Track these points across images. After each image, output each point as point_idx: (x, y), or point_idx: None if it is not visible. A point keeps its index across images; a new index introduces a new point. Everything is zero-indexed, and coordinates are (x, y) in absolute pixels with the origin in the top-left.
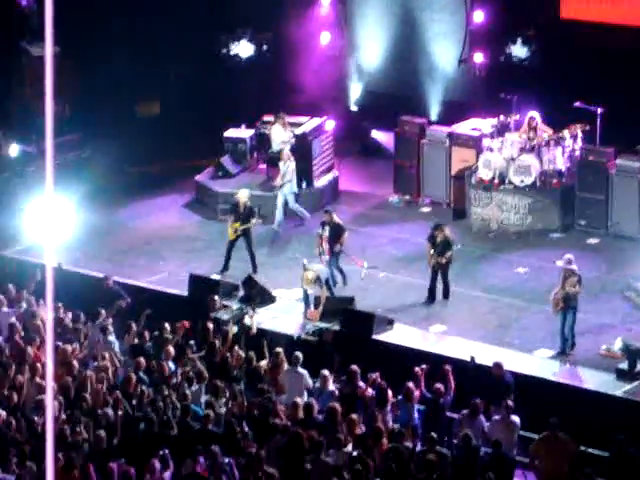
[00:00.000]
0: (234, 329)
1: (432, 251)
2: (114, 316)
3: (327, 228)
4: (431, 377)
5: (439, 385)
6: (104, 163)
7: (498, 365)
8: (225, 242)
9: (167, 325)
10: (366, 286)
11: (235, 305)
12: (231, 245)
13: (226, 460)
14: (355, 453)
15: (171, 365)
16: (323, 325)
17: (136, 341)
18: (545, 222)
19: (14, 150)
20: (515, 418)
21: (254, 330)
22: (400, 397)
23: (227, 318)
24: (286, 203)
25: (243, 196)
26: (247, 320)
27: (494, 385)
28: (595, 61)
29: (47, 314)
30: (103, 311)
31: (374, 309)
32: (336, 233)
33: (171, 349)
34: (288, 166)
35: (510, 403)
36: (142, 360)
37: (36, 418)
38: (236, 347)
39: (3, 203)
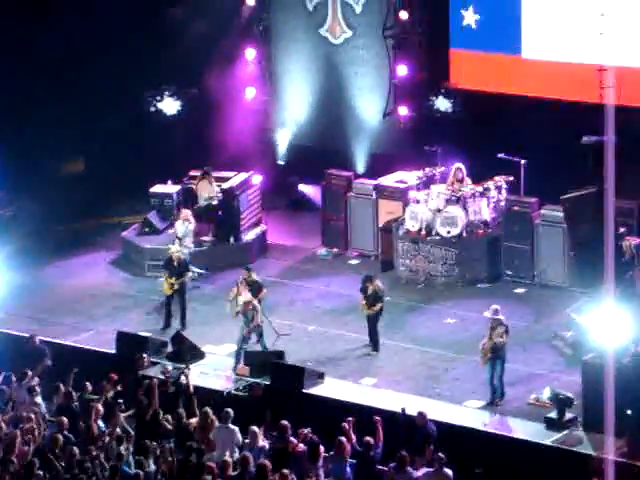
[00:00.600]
0: (171, 389)
1: (364, 302)
2: (40, 376)
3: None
4: (362, 430)
5: (369, 438)
6: (29, 221)
7: (422, 415)
8: (157, 298)
9: (89, 385)
10: (295, 340)
11: (169, 365)
12: (169, 301)
13: None
14: None
15: (100, 424)
16: (253, 380)
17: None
18: (472, 272)
19: None
20: (448, 471)
21: (191, 389)
22: (332, 452)
23: (162, 378)
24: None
25: (176, 251)
26: (183, 379)
27: (417, 435)
28: (516, 112)
29: None
30: (29, 372)
31: (304, 363)
32: (256, 290)
33: (100, 407)
34: (187, 227)
35: (442, 455)
36: (64, 419)
37: None
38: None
39: None
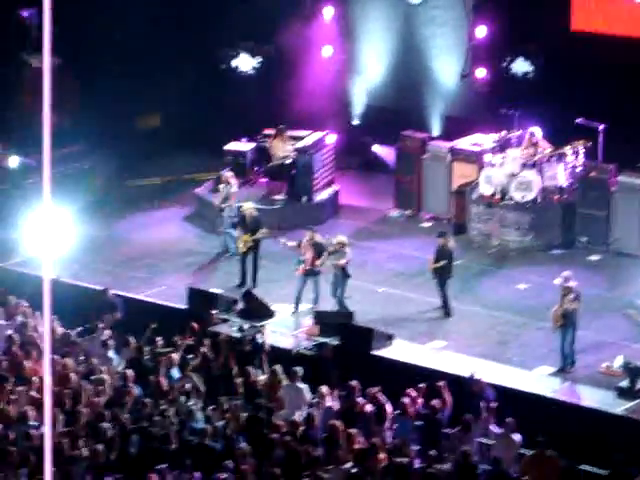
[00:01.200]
0: (248, 347)
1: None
2: (111, 329)
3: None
4: (431, 393)
5: (435, 401)
6: (104, 175)
7: (477, 381)
8: (224, 255)
9: (159, 339)
10: (365, 301)
11: (246, 324)
12: (244, 258)
13: (223, 476)
14: (354, 470)
15: (176, 373)
16: (322, 340)
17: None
18: (546, 238)
19: (14, 162)
20: (516, 437)
21: (267, 347)
22: (397, 412)
23: (239, 337)
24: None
25: (248, 208)
26: (259, 338)
27: (475, 400)
28: (598, 77)
29: (43, 326)
30: (101, 325)
31: (373, 324)
32: (318, 252)
33: (175, 356)
34: (227, 189)
35: (511, 420)
36: (130, 372)
37: (34, 431)
38: (250, 367)
39: (2, 216)
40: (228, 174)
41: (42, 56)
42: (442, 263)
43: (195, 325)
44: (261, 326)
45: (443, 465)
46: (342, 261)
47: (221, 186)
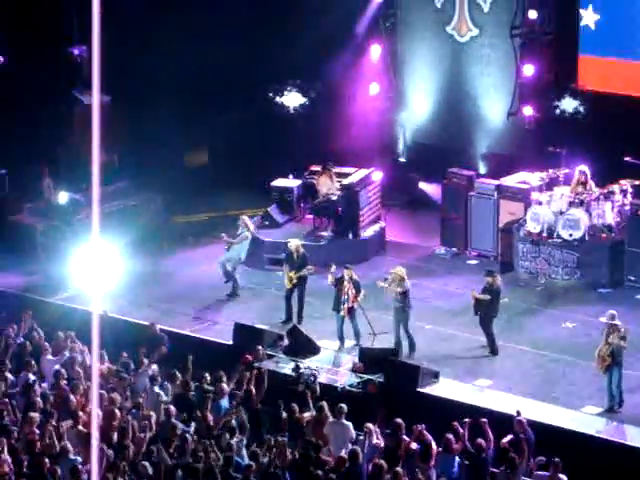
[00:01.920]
0: (301, 387)
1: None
2: (157, 364)
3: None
4: (477, 432)
5: (480, 440)
6: (151, 212)
7: (519, 421)
8: (274, 291)
9: (207, 375)
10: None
11: (302, 364)
12: (289, 294)
13: None
14: None
15: (225, 402)
16: (367, 377)
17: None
18: (594, 277)
19: (63, 198)
20: (563, 477)
21: (318, 391)
22: (440, 449)
23: (294, 376)
24: (228, 266)
25: (295, 245)
26: (312, 381)
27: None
28: None
29: (91, 361)
30: (146, 360)
31: (419, 361)
32: (356, 289)
33: (224, 386)
34: (242, 232)
35: (558, 460)
36: (173, 408)
37: (80, 466)
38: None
39: (52, 251)
40: (246, 218)
41: (92, 93)
42: (486, 297)
43: (248, 357)
44: (317, 368)
45: None
46: (399, 289)
47: (240, 228)
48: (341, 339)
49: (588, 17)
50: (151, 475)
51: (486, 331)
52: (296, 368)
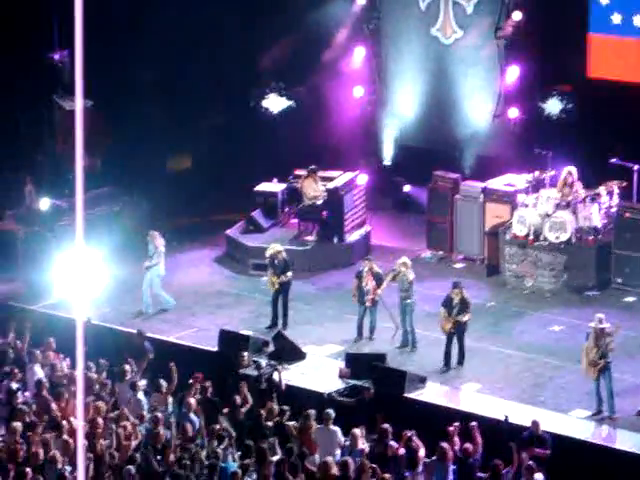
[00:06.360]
0: (264, 385)
1: (445, 314)
2: (141, 372)
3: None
4: (464, 436)
5: (468, 445)
6: (135, 217)
7: (535, 423)
8: (259, 297)
9: (162, 382)
10: (396, 343)
11: (264, 361)
12: (275, 299)
13: None
14: None
15: (193, 418)
16: (353, 382)
17: (170, 399)
18: (581, 280)
19: (45, 204)
20: (539, 477)
21: (282, 387)
22: (434, 457)
23: (256, 375)
24: (154, 289)
25: (274, 249)
26: (275, 376)
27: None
28: (630, 116)
29: (72, 368)
30: (128, 367)
31: (405, 366)
32: (377, 281)
33: (192, 401)
34: (155, 251)
35: (531, 463)
36: (160, 416)
37: (66, 473)
38: (270, 403)
39: (34, 257)
40: (155, 233)
41: (73, 98)
42: (467, 317)
43: (198, 375)
44: (278, 364)
45: None
46: (410, 277)
47: (150, 246)
48: (359, 331)
49: None
50: None
51: (459, 340)
52: (257, 366)
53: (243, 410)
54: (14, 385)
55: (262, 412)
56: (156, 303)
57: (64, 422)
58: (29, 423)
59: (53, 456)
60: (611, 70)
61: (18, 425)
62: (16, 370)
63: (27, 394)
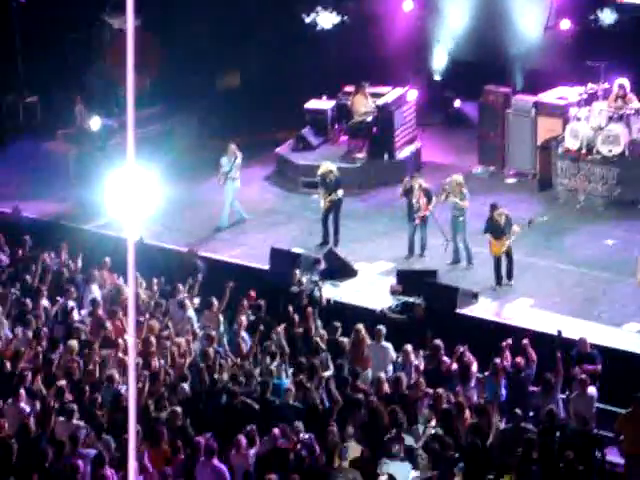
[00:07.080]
0: (305, 301)
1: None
2: (191, 289)
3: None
4: (516, 352)
5: (519, 359)
6: (185, 136)
7: (583, 340)
8: (310, 215)
9: (214, 300)
10: (448, 258)
11: (304, 277)
12: (325, 217)
13: (307, 435)
14: (434, 431)
15: (244, 335)
16: (405, 299)
17: (221, 317)
18: (634, 192)
19: (96, 123)
20: (592, 390)
21: (324, 302)
22: (487, 373)
23: (297, 291)
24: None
25: (325, 168)
26: (316, 293)
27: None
28: None
29: (129, 289)
30: (181, 286)
31: (457, 283)
32: (428, 197)
33: (243, 318)
34: (232, 162)
35: (584, 377)
36: (212, 333)
37: (122, 391)
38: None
39: (85, 177)
40: (232, 146)
41: (122, 17)
42: (512, 238)
43: (252, 293)
44: (319, 280)
45: (528, 425)
46: (465, 202)
47: (224, 158)
48: (411, 249)
49: None
50: (190, 397)
51: (508, 257)
52: (298, 282)
53: (299, 329)
54: (70, 303)
55: (310, 327)
56: (230, 217)
57: (119, 340)
58: (85, 341)
59: (110, 375)
60: None
61: (74, 343)
62: (72, 289)
63: (83, 312)
